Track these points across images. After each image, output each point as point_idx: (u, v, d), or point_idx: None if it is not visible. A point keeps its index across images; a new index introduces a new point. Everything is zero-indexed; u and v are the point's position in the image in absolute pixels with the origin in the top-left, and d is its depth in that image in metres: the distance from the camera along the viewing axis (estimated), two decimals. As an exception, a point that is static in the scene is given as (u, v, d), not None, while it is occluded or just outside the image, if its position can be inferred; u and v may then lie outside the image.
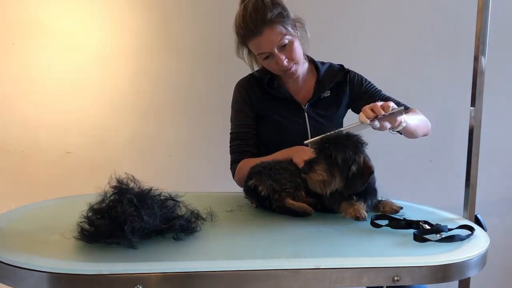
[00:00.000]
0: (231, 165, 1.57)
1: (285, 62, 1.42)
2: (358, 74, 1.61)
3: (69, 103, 2.12)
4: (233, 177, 1.56)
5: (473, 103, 1.32)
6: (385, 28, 2.19)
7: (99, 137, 2.14)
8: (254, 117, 1.56)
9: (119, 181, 1.04)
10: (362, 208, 1.17)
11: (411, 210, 1.33)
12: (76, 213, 0.99)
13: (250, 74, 1.61)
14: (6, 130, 2.11)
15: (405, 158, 2.25)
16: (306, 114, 1.54)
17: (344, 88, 1.58)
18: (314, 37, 2.20)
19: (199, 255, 0.93)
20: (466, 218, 1.31)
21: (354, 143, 1.19)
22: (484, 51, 1.30)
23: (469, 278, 1.29)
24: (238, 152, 1.54)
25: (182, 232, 1.01)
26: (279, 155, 1.41)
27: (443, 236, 1.04)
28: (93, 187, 1.05)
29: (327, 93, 1.56)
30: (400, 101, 1.53)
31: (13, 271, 0.85)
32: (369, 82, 1.61)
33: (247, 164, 1.44)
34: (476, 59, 1.31)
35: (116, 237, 0.92)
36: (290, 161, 1.36)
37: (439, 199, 2.06)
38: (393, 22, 2.19)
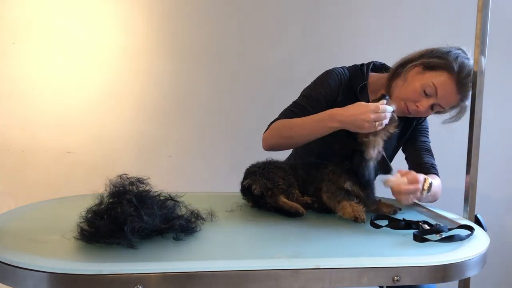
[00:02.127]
0: (270, 123, 1.46)
1: (420, 110, 1.40)
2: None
3: (69, 103, 2.12)
4: (265, 131, 1.46)
5: (472, 103, 1.32)
6: (385, 28, 2.19)
7: (99, 137, 2.14)
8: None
9: (119, 181, 1.04)
10: (361, 210, 1.17)
11: (411, 210, 1.33)
12: (76, 213, 0.99)
13: (348, 70, 1.53)
14: (6, 130, 2.11)
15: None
16: None
17: (412, 121, 1.56)
18: (314, 36, 2.20)
19: (199, 255, 0.93)
20: (466, 218, 1.31)
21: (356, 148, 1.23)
22: (484, 51, 1.30)
23: (469, 278, 1.28)
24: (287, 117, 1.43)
25: (182, 232, 1.01)
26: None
27: (443, 236, 1.05)
28: (93, 187, 1.05)
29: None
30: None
31: (13, 271, 0.85)
32: (427, 129, 1.62)
33: (284, 123, 1.40)
34: (476, 59, 1.31)
35: (116, 237, 0.92)
36: (284, 161, 1.40)
37: (439, 199, 2.06)
38: (393, 22, 2.19)
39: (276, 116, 1.49)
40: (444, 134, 2.26)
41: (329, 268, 0.89)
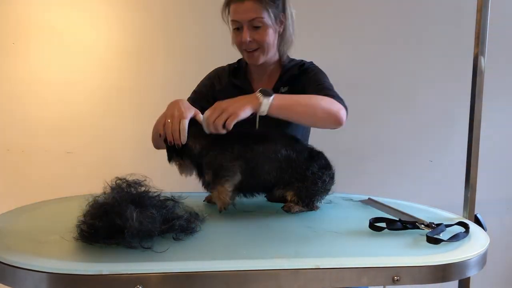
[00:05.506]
0: None
1: (248, 40, 1.42)
2: (315, 67, 1.55)
3: (69, 103, 2.12)
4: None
5: (472, 103, 1.32)
6: (385, 28, 2.19)
7: (99, 137, 2.14)
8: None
9: (117, 184, 1.04)
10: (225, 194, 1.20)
11: (411, 210, 1.33)
12: (76, 213, 0.99)
13: (228, 64, 1.64)
14: (6, 130, 2.11)
15: (405, 158, 2.25)
16: None
17: (299, 84, 1.52)
18: (315, 35, 2.20)
19: (199, 255, 0.93)
20: (466, 218, 1.31)
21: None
22: (484, 51, 1.30)
23: (469, 278, 1.29)
24: None
25: (182, 232, 1.01)
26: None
27: (441, 234, 1.05)
28: (93, 187, 1.05)
29: (284, 89, 1.52)
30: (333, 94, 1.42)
31: (12, 272, 0.85)
32: (320, 74, 1.51)
33: None
34: (476, 59, 1.31)
35: (115, 238, 0.92)
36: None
37: (439, 199, 2.06)
38: (393, 22, 2.19)
39: None
40: (444, 134, 2.27)
41: (329, 268, 0.89)
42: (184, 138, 1.19)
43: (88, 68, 2.11)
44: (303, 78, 1.52)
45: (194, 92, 1.59)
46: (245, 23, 1.41)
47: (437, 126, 2.26)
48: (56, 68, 2.10)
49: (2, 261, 0.86)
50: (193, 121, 1.25)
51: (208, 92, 1.57)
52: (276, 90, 1.50)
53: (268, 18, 1.41)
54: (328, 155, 1.34)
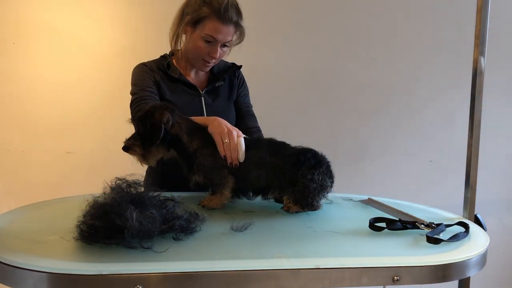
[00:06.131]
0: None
1: (216, 56, 1.52)
2: (243, 77, 1.74)
3: (69, 103, 2.12)
4: None
5: (472, 103, 1.32)
6: (385, 28, 2.19)
7: (99, 137, 2.14)
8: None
9: (117, 184, 1.04)
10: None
11: (411, 210, 1.33)
12: (76, 213, 0.99)
13: (151, 61, 1.64)
14: (6, 130, 2.11)
15: (405, 158, 2.25)
16: (203, 99, 1.60)
17: (234, 82, 1.69)
18: (316, 36, 2.20)
19: (199, 255, 0.93)
20: (466, 218, 1.31)
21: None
22: (484, 51, 1.30)
23: (469, 278, 1.29)
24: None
25: (182, 232, 1.01)
26: (197, 119, 1.37)
27: (441, 234, 1.05)
28: (93, 187, 1.05)
29: (220, 83, 1.65)
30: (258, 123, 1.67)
31: (12, 272, 0.85)
32: (247, 91, 1.73)
33: None
34: (476, 59, 1.31)
35: (115, 238, 0.92)
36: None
37: (439, 199, 2.06)
38: (393, 22, 2.19)
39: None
40: (444, 134, 2.27)
41: (329, 268, 0.89)
42: (242, 156, 1.25)
43: (88, 68, 2.11)
44: (237, 81, 1.69)
45: (142, 89, 1.52)
46: (220, 43, 1.50)
47: (437, 126, 2.26)
48: (56, 68, 2.10)
49: (2, 261, 0.86)
50: (190, 120, 1.29)
51: (151, 81, 1.56)
52: (213, 84, 1.62)
53: (233, 41, 1.55)
54: (328, 155, 1.34)
